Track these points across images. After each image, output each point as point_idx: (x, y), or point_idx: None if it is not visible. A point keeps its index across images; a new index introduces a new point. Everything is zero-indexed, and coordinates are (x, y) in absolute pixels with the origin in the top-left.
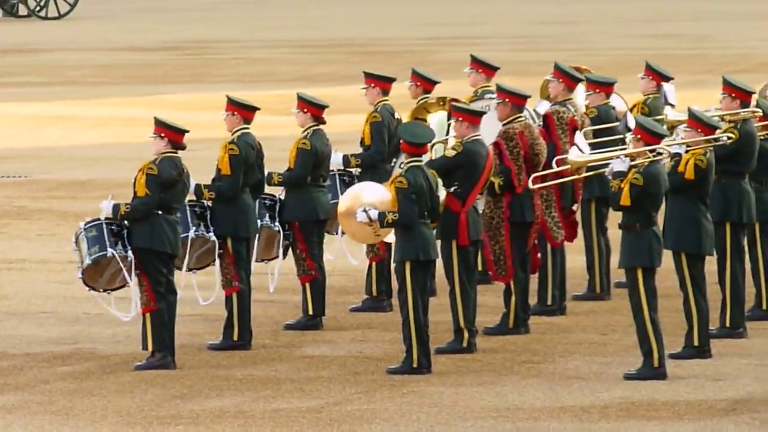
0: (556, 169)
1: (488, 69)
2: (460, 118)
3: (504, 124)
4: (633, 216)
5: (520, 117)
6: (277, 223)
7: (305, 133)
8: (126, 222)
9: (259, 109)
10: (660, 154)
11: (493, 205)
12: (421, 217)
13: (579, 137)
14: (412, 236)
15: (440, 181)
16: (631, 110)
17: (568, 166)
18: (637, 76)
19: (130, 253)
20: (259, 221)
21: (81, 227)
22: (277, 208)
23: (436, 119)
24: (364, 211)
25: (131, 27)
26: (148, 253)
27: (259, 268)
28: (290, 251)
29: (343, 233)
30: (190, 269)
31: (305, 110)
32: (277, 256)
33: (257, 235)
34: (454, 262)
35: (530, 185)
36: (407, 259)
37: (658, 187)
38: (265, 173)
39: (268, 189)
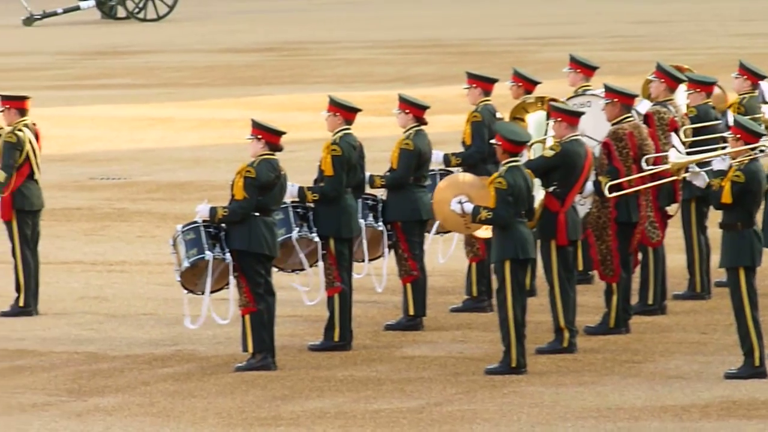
0: (645, 172)
1: (587, 69)
2: (559, 118)
3: (613, 124)
4: (734, 215)
5: (629, 117)
6: (380, 223)
7: (407, 133)
8: (223, 224)
9: (360, 110)
10: (762, 151)
11: (600, 205)
12: (518, 217)
13: (674, 138)
14: (510, 235)
15: (538, 181)
16: (727, 110)
17: (666, 167)
18: (731, 76)
19: (228, 255)
20: (362, 221)
21: (178, 230)
22: (380, 209)
23: (535, 119)
24: (459, 202)
25: (229, 28)
26: (246, 255)
27: (358, 269)
28: (392, 252)
29: (437, 232)
30: (292, 270)
31: (407, 111)
32: (382, 255)
33: (362, 236)
34: (553, 261)
35: (606, 193)
36: (506, 258)
37: (758, 185)
38: (366, 174)
39: (370, 191)
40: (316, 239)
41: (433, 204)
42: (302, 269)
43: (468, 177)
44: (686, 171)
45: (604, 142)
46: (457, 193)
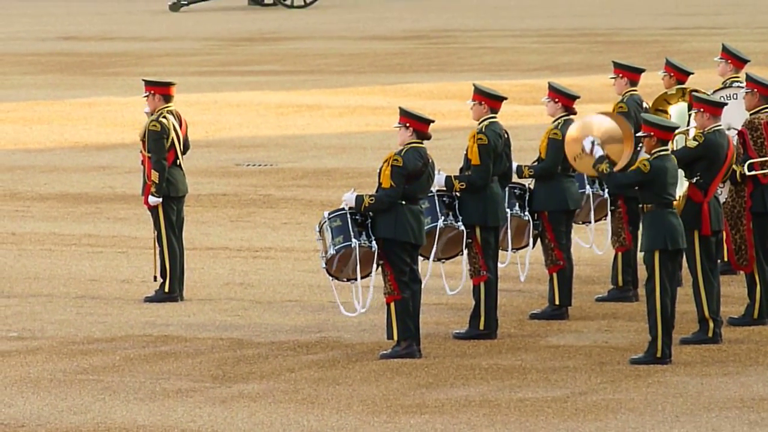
0: None
1: (738, 60)
2: (702, 109)
3: (750, 114)
4: None
5: (767, 108)
6: (527, 213)
7: (556, 123)
8: (370, 213)
9: (506, 98)
10: None
11: (735, 195)
12: (668, 206)
13: None
14: (660, 225)
15: (681, 172)
16: None
17: None
18: None
19: (374, 243)
20: (509, 210)
21: (325, 217)
22: (527, 198)
23: (677, 110)
24: (593, 142)
25: (376, 16)
26: (392, 243)
27: (503, 256)
28: (539, 241)
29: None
30: (438, 259)
31: (556, 100)
32: (527, 245)
33: (508, 224)
34: (696, 252)
35: (745, 171)
36: (656, 248)
37: None
38: (514, 164)
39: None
40: (461, 228)
41: (566, 141)
42: (354, 278)
43: (606, 123)
44: None
45: (739, 131)
46: (591, 134)
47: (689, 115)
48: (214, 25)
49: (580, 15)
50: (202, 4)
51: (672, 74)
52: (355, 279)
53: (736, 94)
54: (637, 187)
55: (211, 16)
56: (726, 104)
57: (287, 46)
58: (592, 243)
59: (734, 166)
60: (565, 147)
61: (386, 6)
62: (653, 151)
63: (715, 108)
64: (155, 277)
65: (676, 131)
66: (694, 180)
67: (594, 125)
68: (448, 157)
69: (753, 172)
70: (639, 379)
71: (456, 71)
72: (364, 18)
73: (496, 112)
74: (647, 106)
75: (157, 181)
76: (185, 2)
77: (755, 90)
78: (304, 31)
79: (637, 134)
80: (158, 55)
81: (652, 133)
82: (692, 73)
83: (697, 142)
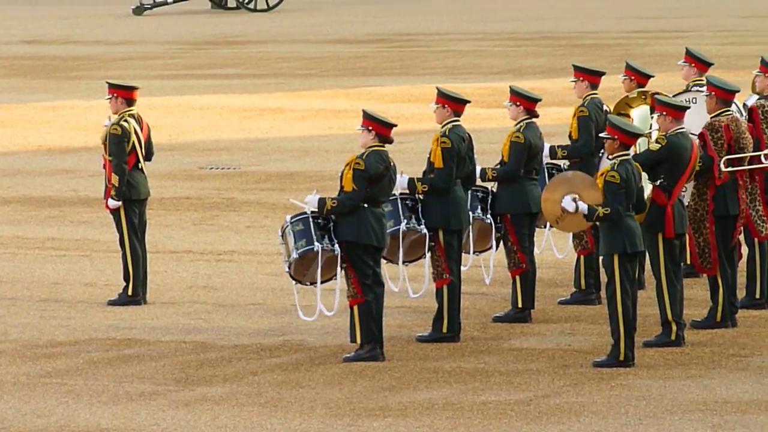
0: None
1: (702, 64)
2: (664, 112)
3: (711, 117)
4: None
5: (728, 111)
6: (489, 216)
7: (518, 126)
8: (332, 216)
9: (469, 101)
10: None
11: (698, 198)
12: (627, 210)
13: None
14: (618, 229)
15: (645, 175)
16: None
17: None
18: None
19: (336, 247)
20: (471, 213)
21: (287, 221)
22: (489, 201)
23: (639, 113)
24: (574, 200)
25: (339, 19)
26: (355, 246)
27: (465, 260)
28: (501, 244)
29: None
30: (402, 262)
31: (518, 103)
32: (490, 248)
33: (470, 228)
34: (660, 255)
35: (722, 167)
36: (615, 251)
37: None
38: (477, 167)
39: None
40: (424, 231)
41: (541, 200)
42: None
43: (577, 175)
44: None
45: (700, 132)
46: (567, 191)
47: (652, 118)
48: (178, 29)
49: (542, 18)
50: (166, 8)
51: (633, 77)
52: (319, 282)
53: (695, 98)
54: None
55: (175, 19)
56: (688, 107)
57: (250, 49)
58: (552, 246)
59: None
60: (543, 211)
61: (349, 9)
62: (613, 155)
63: (677, 111)
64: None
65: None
66: (658, 183)
67: (565, 183)
68: (410, 161)
69: (730, 169)
70: (602, 382)
71: (419, 74)
72: (327, 21)
73: (460, 116)
74: (608, 109)
75: (117, 185)
76: (148, 6)
77: (714, 93)
78: (267, 34)
79: (600, 135)
80: (122, 59)
81: (615, 137)
82: (653, 76)
83: (659, 145)
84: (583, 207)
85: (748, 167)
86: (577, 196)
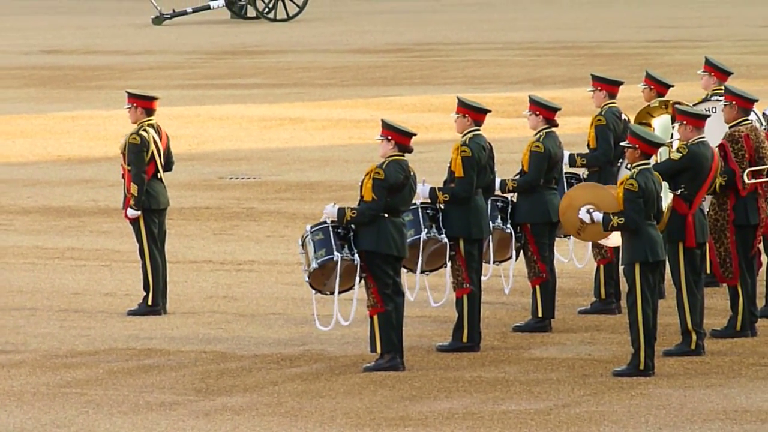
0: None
1: (721, 73)
2: (684, 122)
3: (730, 127)
4: None
5: (747, 120)
6: (509, 225)
7: (538, 135)
8: (352, 226)
9: (490, 111)
10: None
11: (718, 208)
12: (648, 219)
13: None
14: (639, 238)
15: (665, 185)
16: None
17: None
18: None
19: (356, 256)
20: (491, 223)
21: (307, 230)
22: (509, 210)
23: (660, 123)
24: (588, 211)
25: (359, 29)
26: (375, 255)
27: (486, 269)
28: (521, 253)
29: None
30: (422, 271)
31: (537, 113)
32: (510, 257)
33: (490, 237)
34: (680, 264)
35: (746, 179)
36: (636, 260)
37: None
38: (497, 178)
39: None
40: (445, 240)
41: (559, 212)
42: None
43: (595, 186)
44: None
45: (720, 144)
46: (585, 202)
47: (673, 128)
48: (197, 39)
49: (562, 28)
50: (185, 18)
51: (652, 87)
52: (339, 292)
53: (715, 107)
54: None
55: (194, 29)
56: (709, 116)
57: (270, 59)
58: (572, 256)
59: (717, 179)
60: (563, 224)
61: (369, 19)
62: (635, 164)
63: (698, 120)
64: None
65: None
66: (679, 192)
67: (579, 196)
68: (431, 170)
69: (753, 181)
70: (622, 392)
71: (439, 84)
72: (347, 31)
73: (480, 125)
74: (627, 118)
75: (135, 194)
76: (168, 15)
77: (734, 102)
78: (287, 44)
79: (621, 143)
80: (141, 69)
81: (637, 146)
82: (672, 86)
83: (680, 154)
84: (598, 217)
85: None
86: (592, 206)
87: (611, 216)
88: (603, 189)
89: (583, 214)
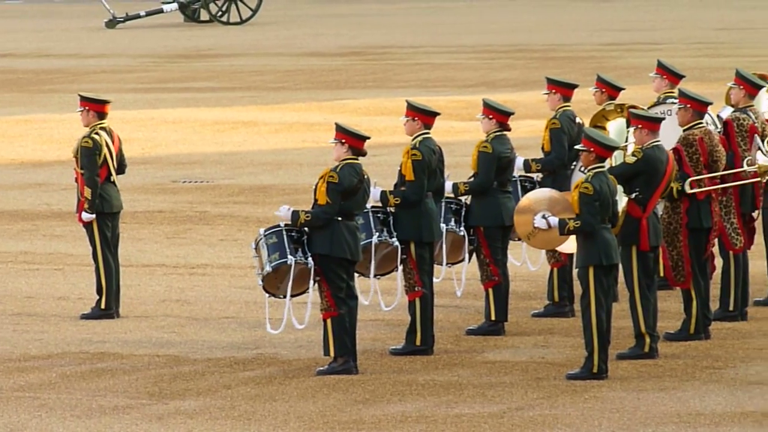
0: (723, 172)
1: (673, 76)
2: (639, 125)
3: (684, 130)
4: None
5: (701, 123)
6: (462, 228)
7: (487, 137)
8: (306, 229)
9: (439, 114)
10: None
11: (671, 211)
12: (603, 222)
13: (758, 141)
14: (594, 241)
15: (620, 188)
16: None
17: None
18: None
19: (310, 260)
20: (444, 226)
21: (261, 234)
22: (463, 213)
23: (615, 126)
24: (544, 217)
25: (313, 32)
26: (329, 259)
27: (438, 272)
28: (474, 256)
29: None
30: (374, 275)
31: (491, 116)
32: (463, 260)
33: (443, 240)
34: (633, 267)
35: (687, 189)
36: (590, 263)
37: None
38: (448, 182)
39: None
40: (396, 244)
41: (514, 221)
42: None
43: (548, 192)
44: None
45: (674, 147)
46: (539, 209)
47: (628, 131)
48: (151, 42)
49: (516, 31)
50: (139, 21)
51: (604, 90)
52: (292, 296)
53: (670, 110)
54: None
55: (148, 33)
56: (663, 119)
57: (223, 62)
58: (525, 259)
59: (672, 184)
60: (515, 227)
61: (323, 22)
62: (589, 168)
63: (653, 124)
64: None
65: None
66: (633, 195)
67: (534, 202)
68: (385, 173)
69: (694, 190)
70: (575, 395)
71: (392, 87)
72: (300, 34)
73: (430, 128)
74: (581, 122)
75: (89, 198)
76: (121, 19)
77: (688, 105)
78: (241, 47)
79: (575, 147)
80: (95, 72)
81: (591, 149)
82: (624, 89)
83: (635, 158)
84: (554, 221)
85: (727, 185)
86: (548, 212)
87: (567, 220)
88: (559, 194)
89: (539, 221)
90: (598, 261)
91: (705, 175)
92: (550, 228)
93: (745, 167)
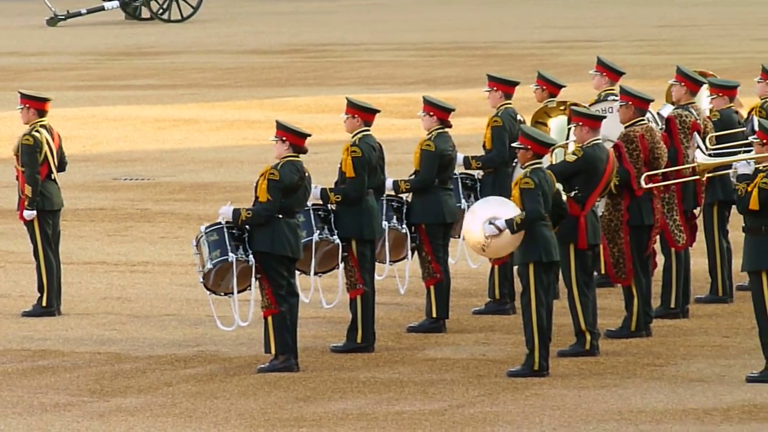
0: (673, 168)
1: (613, 73)
2: (580, 123)
3: (626, 127)
4: (759, 220)
5: (642, 120)
6: (404, 225)
7: (429, 135)
8: (247, 226)
9: (379, 111)
10: None
11: (612, 208)
12: (542, 219)
13: (698, 139)
14: (534, 238)
15: (560, 186)
16: (748, 114)
17: (688, 167)
18: (754, 80)
19: (251, 257)
20: (386, 223)
21: (202, 231)
22: (405, 210)
23: (556, 123)
24: (491, 223)
25: (254, 30)
26: (269, 256)
27: (380, 269)
28: (415, 254)
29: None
30: (315, 273)
31: (431, 113)
32: (405, 257)
33: (385, 237)
34: (571, 265)
35: (643, 184)
36: (530, 260)
37: None
38: (389, 180)
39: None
40: (337, 241)
41: (463, 235)
42: (232, 293)
43: (483, 205)
44: (716, 171)
45: (615, 144)
46: (483, 217)
47: (569, 129)
48: (92, 40)
49: (457, 29)
50: (80, 19)
51: (544, 87)
52: (233, 293)
53: (611, 107)
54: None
55: (89, 30)
56: (604, 117)
57: (164, 60)
58: (466, 257)
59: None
60: (469, 247)
61: (263, 20)
62: (526, 165)
63: (593, 122)
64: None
65: (555, 145)
66: (572, 194)
67: (477, 214)
68: (325, 171)
69: (650, 185)
70: (516, 392)
71: (333, 85)
72: (241, 32)
73: (370, 125)
74: (522, 119)
75: (30, 195)
76: (62, 17)
77: (630, 102)
78: (182, 45)
79: (512, 144)
80: (36, 70)
81: (528, 146)
82: (564, 86)
83: (575, 156)
84: (502, 223)
85: (670, 182)
86: (492, 217)
87: (514, 216)
88: (502, 200)
89: (486, 228)
90: (537, 258)
91: (645, 172)
92: (500, 232)
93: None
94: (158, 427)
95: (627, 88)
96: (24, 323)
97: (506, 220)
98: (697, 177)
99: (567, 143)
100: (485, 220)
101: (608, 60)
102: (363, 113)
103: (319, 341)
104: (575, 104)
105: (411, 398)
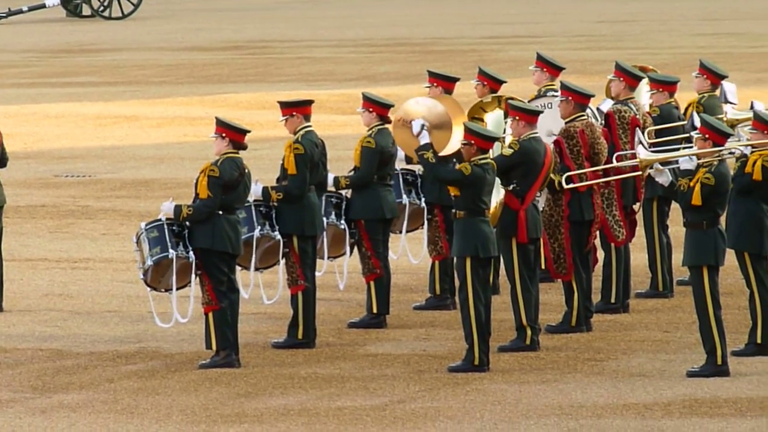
0: (599, 168)
1: (553, 68)
2: (517, 117)
3: (566, 122)
4: (700, 215)
5: (583, 116)
6: (343, 221)
7: (370, 132)
8: (187, 223)
9: (313, 101)
10: (732, 153)
11: (553, 203)
12: (481, 214)
13: (640, 135)
14: (471, 233)
15: (498, 180)
16: (686, 109)
17: (610, 166)
18: (692, 75)
19: (191, 254)
20: (325, 219)
21: (142, 228)
22: (344, 206)
23: (493, 118)
24: (422, 126)
25: (194, 27)
26: (210, 253)
27: (320, 265)
28: (355, 249)
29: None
30: (256, 269)
31: (371, 110)
32: (345, 253)
33: (324, 233)
34: (514, 259)
35: (564, 185)
36: (467, 255)
37: (726, 186)
38: (330, 175)
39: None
40: (278, 237)
41: (409, 101)
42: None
43: (438, 108)
44: (651, 168)
45: (555, 140)
46: (421, 115)
47: (505, 123)
48: (32, 37)
49: (397, 25)
50: (21, 16)
51: (485, 83)
52: (173, 289)
53: (551, 103)
54: (453, 193)
55: (30, 28)
56: (541, 112)
57: (105, 57)
58: (407, 252)
59: (552, 175)
60: (403, 107)
61: (204, 17)
62: (473, 159)
63: (530, 116)
64: None
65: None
66: (511, 187)
67: (429, 106)
68: (266, 167)
69: (571, 185)
70: (457, 387)
71: (274, 81)
72: (181, 29)
73: (309, 119)
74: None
75: None
76: (3, 14)
77: (570, 98)
78: (122, 42)
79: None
80: None
81: (472, 141)
82: (505, 82)
83: (512, 150)
84: (424, 138)
85: (589, 183)
86: (428, 125)
87: (429, 150)
88: (442, 116)
89: (416, 124)
90: (474, 252)
91: (587, 167)
92: (417, 138)
93: (614, 162)
94: (100, 423)
95: (567, 83)
96: None
97: (424, 144)
98: (638, 174)
99: (503, 137)
100: (427, 124)
101: (548, 55)
102: (299, 109)
103: (260, 337)
104: (511, 98)
105: (352, 394)
